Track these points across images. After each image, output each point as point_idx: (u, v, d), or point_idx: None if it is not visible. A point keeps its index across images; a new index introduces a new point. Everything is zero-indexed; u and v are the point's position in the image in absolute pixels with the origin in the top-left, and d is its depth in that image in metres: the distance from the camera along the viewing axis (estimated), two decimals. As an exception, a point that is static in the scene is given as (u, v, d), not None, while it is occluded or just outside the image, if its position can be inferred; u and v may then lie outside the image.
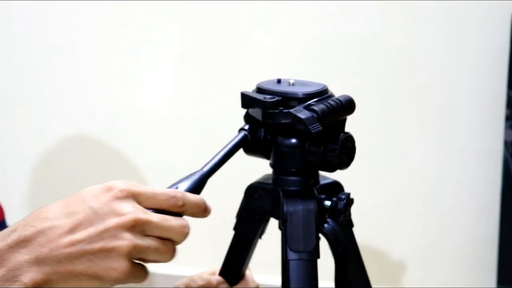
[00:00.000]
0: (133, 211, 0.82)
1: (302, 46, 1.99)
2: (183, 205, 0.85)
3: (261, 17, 2.00)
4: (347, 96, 1.00)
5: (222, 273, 1.19)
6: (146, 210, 0.83)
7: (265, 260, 1.85)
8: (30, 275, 0.80)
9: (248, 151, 1.01)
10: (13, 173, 2.24)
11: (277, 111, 0.96)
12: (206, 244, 2.07)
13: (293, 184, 1.01)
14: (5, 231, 0.83)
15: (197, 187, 0.89)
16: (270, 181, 1.03)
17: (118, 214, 0.81)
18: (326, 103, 0.97)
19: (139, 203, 0.83)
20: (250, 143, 0.98)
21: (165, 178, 2.12)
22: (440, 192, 1.99)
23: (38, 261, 0.80)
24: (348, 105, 0.99)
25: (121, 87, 2.14)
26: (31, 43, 2.16)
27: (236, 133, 0.99)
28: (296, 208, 0.99)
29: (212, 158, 0.92)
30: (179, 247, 0.85)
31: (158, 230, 0.83)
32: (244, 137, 0.98)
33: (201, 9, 2.02)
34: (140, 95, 2.13)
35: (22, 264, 0.80)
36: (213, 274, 1.22)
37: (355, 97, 1.06)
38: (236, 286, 1.20)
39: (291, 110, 0.95)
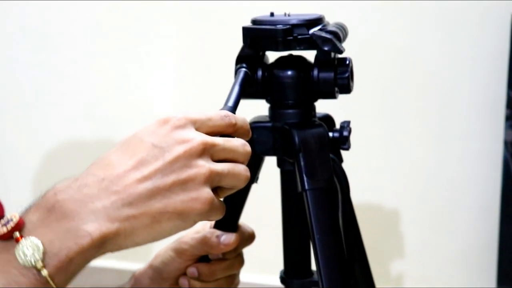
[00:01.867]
0: (198, 136, 0.78)
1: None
2: (235, 123, 0.83)
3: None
4: (341, 23, 1.02)
5: (216, 224, 1.17)
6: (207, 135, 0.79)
7: (265, 260, 1.85)
8: (96, 226, 0.73)
9: (244, 94, 0.99)
10: (15, 173, 2.24)
11: (296, 36, 0.96)
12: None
13: (297, 117, 1.01)
14: (65, 181, 0.78)
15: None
16: (268, 119, 1.03)
17: (183, 141, 0.77)
18: (334, 27, 0.98)
19: (198, 129, 0.79)
20: (248, 83, 0.98)
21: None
22: (439, 192, 1.99)
23: (106, 209, 0.74)
24: (345, 29, 1.01)
25: (122, 88, 2.14)
26: (30, 43, 2.16)
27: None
28: (308, 136, 0.98)
29: (229, 97, 0.92)
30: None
31: (224, 152, 0.79)
32: (246, 73, 0.98)
33: (204, 8, 2.02)
34: (142, 96, 2.13)
35: (88, 214, 0.73)
36: (198, 232, 1.16)
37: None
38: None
39: (314, 32, 0.95)
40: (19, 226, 0.75)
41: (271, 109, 1.04)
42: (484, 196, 1.95)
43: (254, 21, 1.02)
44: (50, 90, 2.17)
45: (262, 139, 1.02)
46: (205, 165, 0.76)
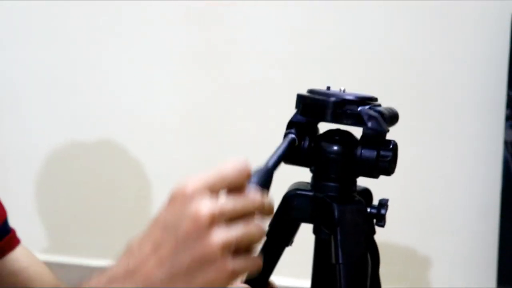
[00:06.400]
0: (205, 207, 0.75)
1: (305, 46, 1.99)
2: (250, 173, 0.80)
3: (268, 20, 2.00)
4: (393, 108, 1.08)
5: (247, 280, 1.19)
6: (218, 199, 0.76)
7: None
8: None
9: (288, 159, 1.02)
10: (16, 174, 2.24)
11: (345, 110, 1.00)
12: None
13: (338, 191, 1.04)
14: (97, 275, 0.79)
15: (267, 180, 0.86)
16: (309, 188, 1.05)
17: (191, 216, 0.75)
18: (383, 108, 1.04)
19: (212, 191, 0.77)
20: (293, 150, 1.01)
21: (173, 181, 2.12)
22: (439, 191, 1.99)
23: None
24: (396, 116, 1.08)
25: (123, 88, 2.14)
26: (31, 43, 2.16)
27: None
28: (347, 212, 1.02)
29: (271, 157, 0.93)
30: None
31: (236, 213, 0.77)
32: (293, 140, 1.00)
33: (210, 11, 2.02)
34: (143, 96, 2.12)
35: None
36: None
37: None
38: None
39: (363, 108, 1.00)
40: None
41: (313, 179, 1.06)
42: (484, 196, 1.95)
43: (310, 91, 1.05)
44: (50, 90, 2.17)
45: (301, 207, 1.05)
46: (217, 236, 0.75)
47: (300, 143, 1.03)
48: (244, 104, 2.05)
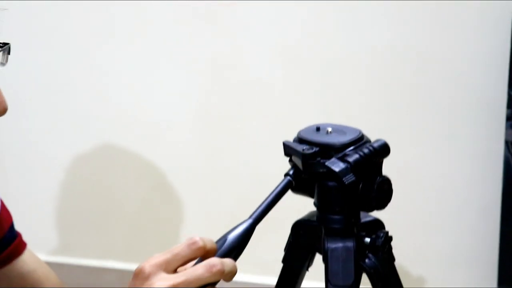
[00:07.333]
0: (159, 284, 0.86)
1: (308, 47, 1.99)
2: (204, 246, 0.90)
3: (276, 20, 2.00)
4: (381, 141, 1.11)
5: None
6: (173, 275, 0.87)
7: (265, 260, 1.85)
8: None
9: (294, 190, 1.06)
10: (16, 175, 2.24)
11: (315, 161, 1.03)
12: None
13: (335, 222, 1.07)
14: None
15: (246, 235, 0.96)
16: (315, 218, 1.09)
17: None
18: (360, 152, 1.05)
19: (167, 270, 0.88)
20: (295, 184, 1.05)
21: (185, 181, 2.12)
22: (440, 191, 1.99)
23: None
24: (382, 150, 1.10)
25: (123, 89, 2.14)
26: (31, 44, 2.16)
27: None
28: (336, 246, 1.06)
29: (260, 206, 1.00)
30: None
31: (191, 284, 0.87)
32: (289, 182, 1.04)
33: (205, 10, 2.02)
34: (148, 98, 2.13)
35: None
36: None
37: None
38: None
39: (326, 162, 1.02)
40: None
41: (316, 210, 1.09)
42: (485, 196, 1.94)
43: (298, 138, 1.08)
44: (50, 91, 2.17)
45: (307, 236, 1.09)
46: None
47: (300, 180, 1.06)
48: (250, 103, 2.05)
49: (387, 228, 1.16)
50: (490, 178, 1.93)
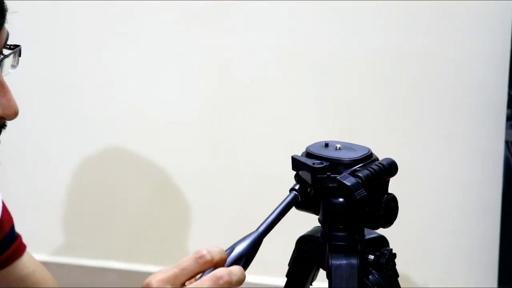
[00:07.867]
0: None
1: (311, 48, 1.99)
2: (212, 259, 0.90)
3: (280, 21, 2.00)
4: (390, 159, 1.12)
5: None
6: None
7: (265, 260, 1.85)
8: None
9: (299, 207, 1.06)
10: (16, 175, 2.24)
11: (325, 176, 1.03)
12: None
13: (339, 239, 1.08)
14: None
15: (253, 247, 0.97)
16: (319, 234, 1.10)
17: None
18: (370, 169, 1.06)
19: (175, 284, 0.88)
20: (300, 201, 1.05)
21: (188, 181, 2.12)
22: (440, 191, 1.99)
23: None
24: (390, 168, 1.11)
25: (123, 90, 2.14)
26: (32, 44, 2.16)
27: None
28: (340, 263, 1.07)
29: (266, 219, 1.00)
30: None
31: None
32: (295, 197, 1.04)
33: (205, 11, 2.02)
34: (149, 98, 2.13)
35: None
36: None
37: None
38: None
39: (338, 177, 1.03)
40: None
41: (321, 226, 1.10)
42: (485, 196, 1.94)
43: (307, 152, 1.08)
44: (51, 90, 2.17)
45: (311, 252, 1.10)
46: None
47: (306, 195, 1.06)
48: (252, 103, 2.05)
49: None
50: (490, 178, 1.93)
